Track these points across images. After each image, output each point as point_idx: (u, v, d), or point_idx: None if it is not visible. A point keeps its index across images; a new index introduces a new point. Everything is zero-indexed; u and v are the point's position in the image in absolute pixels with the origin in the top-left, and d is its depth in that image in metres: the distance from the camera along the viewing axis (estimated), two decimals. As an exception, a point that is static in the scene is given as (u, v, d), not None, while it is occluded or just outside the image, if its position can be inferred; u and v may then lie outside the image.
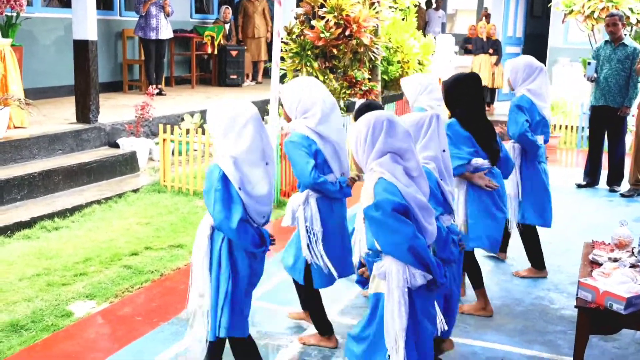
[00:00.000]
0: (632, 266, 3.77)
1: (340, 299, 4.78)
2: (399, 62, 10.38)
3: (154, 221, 6.36)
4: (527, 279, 5.30)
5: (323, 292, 4.17)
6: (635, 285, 3.45)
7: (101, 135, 8.03)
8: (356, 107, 4.89)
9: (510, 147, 5.07)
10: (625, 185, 8.09)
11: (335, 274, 3.98)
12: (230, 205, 3.18)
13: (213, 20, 13.31)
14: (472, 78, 4.42)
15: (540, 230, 6.35)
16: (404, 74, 10.61)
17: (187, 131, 7.44)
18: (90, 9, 7.77)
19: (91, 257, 5.45)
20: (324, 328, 4.12)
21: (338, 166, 3.96)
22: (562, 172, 9.32)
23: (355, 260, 4.19)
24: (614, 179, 8.18)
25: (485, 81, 14.27)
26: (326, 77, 8.40)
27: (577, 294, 3.53)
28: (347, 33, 8.19)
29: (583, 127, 10.80)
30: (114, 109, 9.09)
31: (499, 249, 5.05)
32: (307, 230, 3.91)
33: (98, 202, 6.77)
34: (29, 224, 6.03)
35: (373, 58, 8.76)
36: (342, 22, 8.14)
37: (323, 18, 8.18)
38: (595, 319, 3.48)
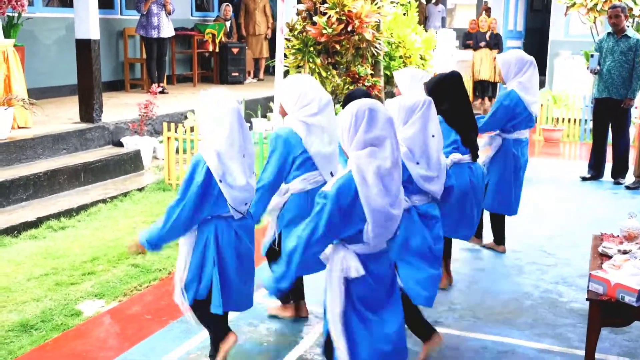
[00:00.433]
0: (643, 258, 3.76)
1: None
2: (401, 57, 10.38)
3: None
4: (535, 272, 5.30)
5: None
6: (646, 277, 3.44)
7: (105, 134, 8.03)
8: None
9: (489, 137, 5.43)
10: (630, 178, 8.09)
11: None
12: (200, 205, 3.36)
13: (214, 18, 13.30)
14: (453, 77, 4.59)
15: (548, 225, 6.38)
16: (406, 69, 10.61)
17: (191, 129, 7.43)
18: (92, 8, 7.76)
19: (98, 256, 5.45)
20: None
21: (326, 164, 3.99)
22: (565, 165, 9.32)
23: None
24: (619, 171, 8.17)
25: (487, 75, 14.28)
26: (329, 73, 8.41)
27: (588, 287, 3.52)
28: (349, 29, 8.19)
29: (586, 120, 10.79)
30: (117, 108, 9.08)
31: (475, 234, 5.32)
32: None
33: (103, 201, 6.77)
34: (36, 223, 6.03)
35: (375, 53, 8.75)
36: (344, 17, 8.14)
37: (325, 14, 8.17)
38: (606, 311, 3.48)
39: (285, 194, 4.03)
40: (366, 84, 8.46)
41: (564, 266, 5.42)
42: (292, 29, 8.51)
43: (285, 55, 8.02)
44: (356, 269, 2.93)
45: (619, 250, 3.93)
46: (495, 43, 14.18)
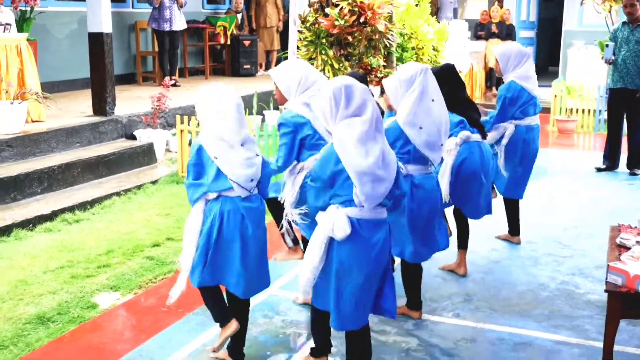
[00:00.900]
0: (661, 249, 3.72)
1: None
2: (413, 48, 10.32)
3: (174, 212, 6.37)
4: (551, 263, 5.27)
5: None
6: (665, 268, 3.41)
7: (118, 127, 8.05)
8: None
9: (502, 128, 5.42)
10: (645, 169, 8.03)
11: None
12: (200, 176, 3.54)
13: (225, 11, 13.28)
14: (447, 68, 4.72)
15: (563, 216, 6.35)
16: (418, 60, 10.55)
17: (204, 122, 7.43)
18: (105, 1, 7.77)
19: (113, 249, 5.47)
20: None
21: None
22: (580, 156, 9.26)
23: None
24: (634, 162, 8.10)
25: (500, 66, 14.16)
26: (341, 64, 8.36)
27: (606, 278, 3.49)
28: (361, 20, 8.14)
29: (600, 111, 10.71)
30: (129, 101, 9.09)
31: (513, 232, 5.66)
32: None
33: (117, 194, 6.79)
34: (50, 217, 6.06)
35: (388, 45, 8.69)
36: (356, 9, 8.08)
37: (337, 5, 8.12)
38: (625, 303, 3.44)
39: (300, 172, 4.07)
40: (379, 75, 8.42)
41: (580, 257, 5.38)
42: (304, 20, 8.47)
43: (297, 47, 8.00)
44: (343, 229, 3.14)
45: (637, 242, 3.89)
46: (508, 34, 14.06)
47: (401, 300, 4.21)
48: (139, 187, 7.04)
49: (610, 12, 10.93)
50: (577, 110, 11.05)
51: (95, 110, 8.04)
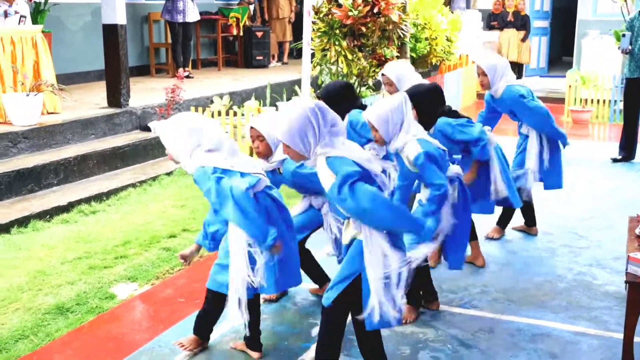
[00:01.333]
0: (682, 240, 3.70)
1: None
2: (426, 39, 10.28)
3: (189, 203, 6.39)
4: (568, 254, 5.25)
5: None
6: (686, 259, 3.39)
7: (132, 119, 8.07)
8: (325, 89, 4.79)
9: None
10: (662, 159, 7.97)
11: None
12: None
13: (238, 2, 13.25)
14: (430, 91, 4.44)
15: (579, 206, 6.33)
16: (432, 50, 10.52)
17: (218, 113, 7.44)
18: (119, -8, 7.78)
19: (130, 240, 5.49)
20: None
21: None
22: (595, 146, 9.20)
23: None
24: (651, 153, 8.06)
25: (514, 56, 14.11)
26: (354, 55, 8.34)
27: (626, 269, 3.47)
28: (375, 11, 8.11)
29: (615, 101, 10.63)
30: (143, 93, 9.11)
31: (530, 223, 5.66)
32: None
33: (133, 185, 6.81)
34: (67, 208, 6.09)
35: (401, 35, 8.66)
36: (370, -1, 8.05)
37: (351, -4, 8.09)
38: (646, 293, 3.43)
39: None
40: (392, 66, 8.38)
41: (597, 248, 5.36)
42: (317, 11, 8.44)
43: (311, 39, 7.97)
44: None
45: (657, 232, 3.87)
46: (523, 24, 13.98)
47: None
48: (154, 178, 7.06)
49: (625, 1, 10.84)
50: (591, 100, 10.98)
51: (110, 102, 8.06)
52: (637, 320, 3.48)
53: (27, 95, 6.89)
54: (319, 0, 8.73)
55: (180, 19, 10.59)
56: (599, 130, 10.46)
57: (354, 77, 8.44)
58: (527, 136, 5.35)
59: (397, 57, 8.75)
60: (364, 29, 8.15)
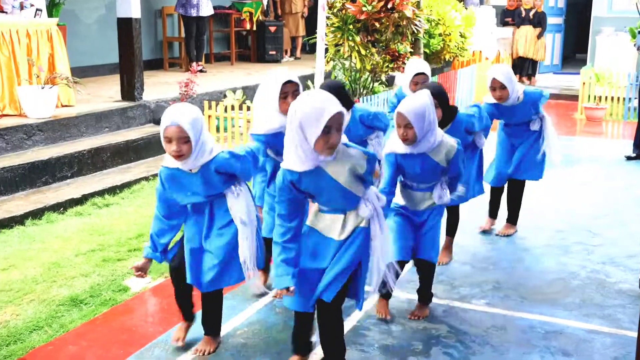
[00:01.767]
0: (697, 238, 3.68)
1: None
2: (440, 34, 10.26)
3: (202, 197, 6.39)
4: (582, 252, 5.23)
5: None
6: (702, 257, 3.37)
7: (146, 112, 8.10)
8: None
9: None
10: (676, 157, 7.92)
11: None
12: None
13: (251, -4, 13.28)
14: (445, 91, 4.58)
15: (593, 204, 6.29)
16: (445, 46, 10.50)
17: (232, 107, 7.46)
18: (133, -13, 7.80)
19: (143, 233, 5.51)
20: None
21: None
22: (609, 144, 9.15)
23: None
24: (665, 151, 8.00)
25: (530, 53, 14.06)
26: (368, 51, 8.34)
27: (641, 267, 3.47)
28: (389, 6, 8.10)
29: (630, 99, 10.56)
30: (156, 87, 9.15)
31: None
32: None
33: (146, 178, 6.84)
34: (80, 200, 6.13)
35: (415, 31, 8.65)
36: (384, -5, 8.04)
37: (365, -9, 8.08)
38: (660, 292, 3.42)
39: None
40: (405, 61, 8.37)
41: (610, 246, 5.33)
42: (331, 6, 8.44)
43: (325, 34, 7.97)
44: None
45: (672, 231, 3.85)
46: (539, 21, 13.92)
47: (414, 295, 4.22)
48: (167, 172, 7.07)
49: (642, -2, 10.76)
50: (605, 97, 10.91)
51: (124, 96, 8.09)
52: (651, 318, 3.46)
53: (42, 88, 6.93)
54: (333, -5, 8.72)
55: (194, 13, 10.61)
56: (613, 128, 10.40)
57: (367, 73, 8.43)
58: (539, 132, 5.35)
59: (411, 52, 8.75)
60: (377, 24, 8.15)
